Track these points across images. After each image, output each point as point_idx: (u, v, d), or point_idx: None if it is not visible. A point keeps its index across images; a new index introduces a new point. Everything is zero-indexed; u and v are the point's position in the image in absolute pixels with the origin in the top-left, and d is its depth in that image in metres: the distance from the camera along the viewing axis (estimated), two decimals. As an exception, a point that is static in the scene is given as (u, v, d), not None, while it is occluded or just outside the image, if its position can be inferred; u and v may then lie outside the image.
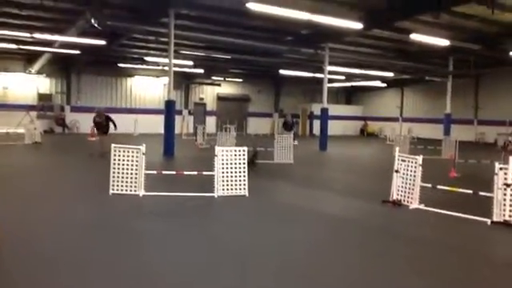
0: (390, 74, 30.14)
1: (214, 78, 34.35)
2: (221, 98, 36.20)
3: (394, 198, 9.06)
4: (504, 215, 7.48)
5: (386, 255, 6.05)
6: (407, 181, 8.95)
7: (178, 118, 25.18)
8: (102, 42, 20.03)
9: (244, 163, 9.49)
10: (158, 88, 32.63)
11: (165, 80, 27.79)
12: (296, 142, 22.07)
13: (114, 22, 17.18)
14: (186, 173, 10.69)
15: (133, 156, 9.28)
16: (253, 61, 27.43)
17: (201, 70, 30.35)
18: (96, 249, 5.89)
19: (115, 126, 16.49)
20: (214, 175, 9.38)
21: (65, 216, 7.60)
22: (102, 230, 6.80)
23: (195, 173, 10.18)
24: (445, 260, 5.87)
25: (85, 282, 4.79)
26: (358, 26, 16.24)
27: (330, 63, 23.47)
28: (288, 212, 8.51)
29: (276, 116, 38.32)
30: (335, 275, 5.20)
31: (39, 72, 28.15)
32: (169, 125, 17.35)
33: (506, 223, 7.40)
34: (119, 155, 9.25)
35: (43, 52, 24.23)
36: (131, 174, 9.22)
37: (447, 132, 26.95)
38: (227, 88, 36.50)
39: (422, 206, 8.73)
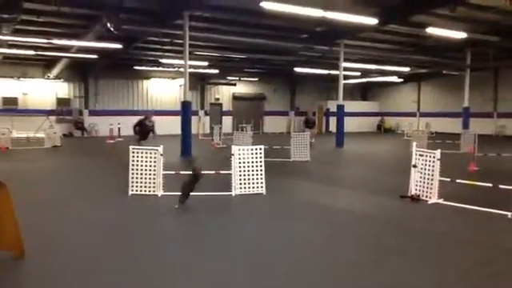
0: (407, 69, 29.84)
1: (229, 77, 34.41)
2: (236, 98, 36.27)
3: (413, 193, 9.01)
4: (525, 208, 7.39)
5: (404, 250, 6.03)
6: (425, 175, 8.89)
7: (194, 119, 25.32)
8: (118, 46, 20.26)
9: (261, 161, 9.53)
10: (174, 89, 32.85)
11: (180, 81, 27.97)
12: (313, 140, 22.05)
13: (129, 26, 17.37)
14: (203, 172, 10.78)
15: (151, 157, 9.40)
16: (268, 60, 27.45)
17: (216, 71, 30.45)
18: (113, 248, 6.01)
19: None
20: (231, 174, 9.45)
21: (87, 218, 7.74)
22: (120, 230, 6.93)
23: (212, 172, 10.26)
24: (464, 255, 5.84)
25: (106, 279, 4.90)
26: (372, 21, 16.12)
27: (345, 60, 23.35)
28: (305, 209, 8.53)
29: (292, 114, 38.28)
30: (351, 271, 5.21)
31: (57, 77, 28.58)
32: (185, 125, 17.50)
33: (527, 216, 7.32)
34: (138, 157, 9.39)
35: (61, 57, 24.60)
36: (150, 174, 9.35)
37: (466, 126, 26.56)
38: (243, 87, 36.56)
39: (441, 201, 8.67)
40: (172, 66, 28.21)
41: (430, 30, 18.13)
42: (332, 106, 30.70)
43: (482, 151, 16.08)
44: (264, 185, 9.53)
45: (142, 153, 9.46)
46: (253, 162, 9.53)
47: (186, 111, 17.66)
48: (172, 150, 16.50)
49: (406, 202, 8.87)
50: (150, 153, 9.45)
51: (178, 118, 18.32)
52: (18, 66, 27.41)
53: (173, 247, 6.10)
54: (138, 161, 9.36)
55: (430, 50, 25.78)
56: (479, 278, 5.01)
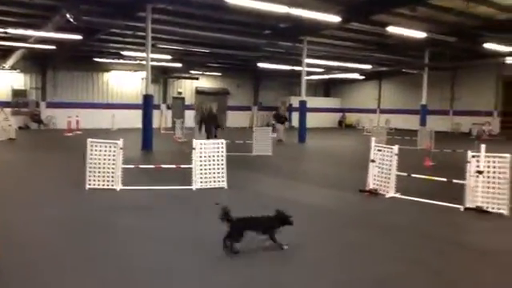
0: (368, 67, 30.45)
1: (192, 72, 34.14)
2: (199, 92, 35.99)
3: (371, 187, 9.21)
4: (476, 201, 7.67)
5: (362, 243, 6.16)
6: (383, 170, 9.10)
7: (156, 113, 25.04)
8: (78, 37, 19.72)
9: (222, 156, 9.50)
10: (135, 82, 32.27)
11: (142, 74, 27.53)
12: (275, 135, 22.18)
13: (90, 17, 16.92)
14: (164, 166, 10.66)
15: (110, 151, 9.20)
16: (231, 55, 27.37)
17: (179, 64, 30.14)
18: (70, 243, 5.86)
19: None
20: (191, 168, 9.38)
21: (41, 212, 7.51)
22: (74, 224, 6.77)
23: (173, 166, 10.15)
24: (419, 247, 6.02)
25: (64, 276, 4.77)
26: (336, 19, 16.33)
27: (309, 56, 23.58)
28: (265, 203, 8.51)
29: (255, 109, 38.37)
30: (311, 263, 5.27)
31: (13, 68, 27.55)
32: (147, 119, 17.22)
33: (478, 209, 7.60)
34: (96, 150, 9.17)
35: (17, 47, 23.73)
36: (108, 168, 9.15)
37: (423, 123, 27.38)
38: (206, 82, 36.35)
39: (397, 195, 8.90)
40: (134, 58, 27.70)
41: (391, 29, 18.52)
42: (295, 102, 30.95)
43: (438, 147, 16.64)
44: (225, 179, 9.51)
45: (100, 146, 9.24)
46: (214, 156, 9.50)
47: (147, 105, 17.39)
48: (133, 143, 16.23)
49: (365, 196, 9.06)
50: (110, 146, 9.25)
51: (140, 112, 18.02)
52: (-29, 55, 26.30)
53: (125, 241, 5.99)
54: (96, 154, 9.15)
55: (392, 49, 26.37)
56: (432, 269, 5.17)
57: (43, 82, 29.26)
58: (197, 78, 35.24)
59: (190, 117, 31.86)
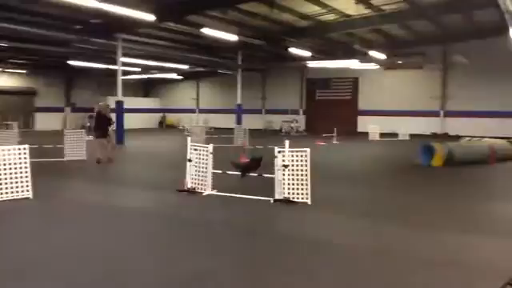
0: (185, 67, 30.83)
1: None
2: (1, 92, 32.00)
3: (189, 186, 9.30)
4: (284, 193, 8.34)
5: (177, 241, 6.20)
6: (200, 169, 9.27)
7: None
8: None
9: (26, 162, 8.54)
10: None
11: None
12: (91, 137, 20.94)
13: None
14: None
15: None
16: (37, 50, 24.89)
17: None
18: None
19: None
20: (-12, 178, 8.23)
21: None
22: None
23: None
24: (231, 239, 6.29)
25: None
26: (150, 17, 16.05)
27: (125, 55, 22.80)
28: (80, 211, 7.98)
29: (68, 110, 35.71)
30: (128, 270, 5.06)
31: None
32: None
33: (285, 200, 8.27)
34: None
35: None
36: None
37: (239, 121, 28.90)
38: (8, 80, 32.48)
39: (214, 192, 9.17)
40: None
41: (206, 31, 19.01)
42: (112, 102, 29.65)
43: (252, 144, 17.71)
44: (30, 188, 8.58)
45: None
46: (16, 164, 8.47)
47: None
48: None
49: (183, 195, 9.11)
50: None
51: None
52: None
53: None
54: None
55: (207, 50, 27.16)
56: (241, 261, 5.42)
57: None
58: (-4, 76, 31.33)
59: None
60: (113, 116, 16.04)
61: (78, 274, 4.93)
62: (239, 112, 29.76)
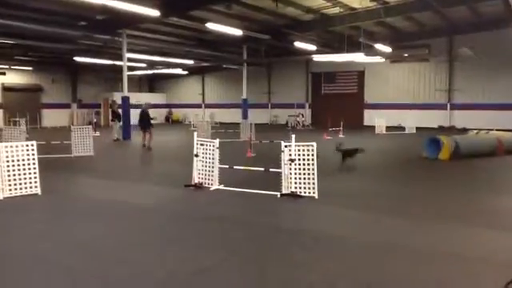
0: (191, 62, 30.83)
1: (-4, 66, 30.34)
2: (7, 89, 32.16)
3: (196, 181, 9.33)
4: (290, 187, 8.35)
5: (183, 236, 6.22)
6: (207, 164, 9.30)
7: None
8: None
9: (34, 159, 8.61)
10: None
11: None
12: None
13: None
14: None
15: None
16: (43, 47, 24.96)
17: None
18: None
19: None
20: (-4, 175, 8.31)
21: None
22: None
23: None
24: (238, 234, 6.30)
25: None
26: (155, 12, 16.06)
27: (130, 50, 22.86)
28: (88, 207, 8.04)
29: (75, 106, 35.86)
30: (136, 264, 5.10)
31: None
32: None
33: (292, 194, 8.28)
34: None
35: None
36: None
37: (245, 116, 28.90)
38: (14, 77, 32.61)
39: (221, 187, 9.20)
40: None
41: (210, 26, 19.00)
42: (118, 98, 29.75)
43: (258, 138, 17.71)
44: (38, 184, 8.65)
45: None
46: (24, 160, 8.54)
47: None
48: None
49: (190, 191, 9.15)
50: None
51: None
52: None
53: None
54: None
55: (212, 45, 27.14)
56: (247, 256, 5.45)
57: None
58: (3, 73, 31.43)
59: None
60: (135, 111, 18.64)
61: (84, 268, 4.98)
62: (245, 107, 29.75)
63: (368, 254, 5.44)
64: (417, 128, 26.40)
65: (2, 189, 8.33)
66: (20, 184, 8.52)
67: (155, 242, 5.96)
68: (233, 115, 33.70)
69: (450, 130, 26.56)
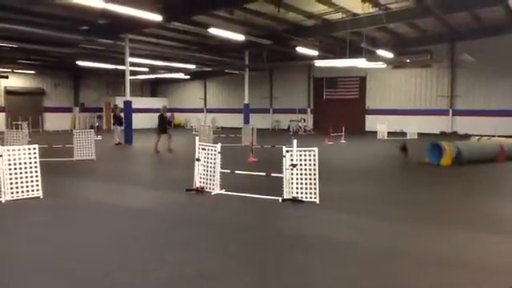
0: (193, 67, 30.90)
1: (-1, 69, 30.43)
2: (10, 92, 32.24)
3: (197, 185, 9.33)
4: (292, 192, 8.34)
5: (185, 241, 6.19)
6: (208, 168, 9.30)
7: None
8: None
9: (36, 162, 8.62)
10: None
11: None
12: (99, 137, 21.09)
13: None
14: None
15: None
16: (46, 51, 25.05)
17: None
18: None
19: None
20: (-1, 178, 8.33)
21: None
22: None
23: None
24: (240, 239, 6.28)
25: None
26: (157, 17, 16.12)
27: (132, 55, 22.92)
28: (89, 210, 8.05)
29: (77, 110, 35.92)
30: (136, 268, 5.09)
31: None
32: None
33: (293, 199, 8.27)
34: None
35: None
36: None
37: (247, 121, 28.91)
38: (17, 81, 32.71)
39: (223, 191, 9.19)
40: None
41: (213, 31, 19.06)
42: (120, 102, 29.83)
43: (260, 143, 17.72)
44: (40, 187, 8.66)
45: None
46: (26, 164, 8.55)
47: None
48: None
49: (192, 195, 9.14)
50: None
51: None
52: None
53: None
54: None
55: (214, 50, 27.21)
56: (249, 260, 5.43)
57: None
58: (6, 77, 31.53)
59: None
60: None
61: (85, 271, 4.97)
62: (247, 111, 29.77)
63: (370, 260, 5.42)
64: (419, 134, 26.38)
65: (4, 192, 8.34)
66: (22, 187, 8.52)
67: (156, 246, 5.95)
68: (234, 120, 33.72)
69: (452, 135, 26.53)
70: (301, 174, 8.31)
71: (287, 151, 8.41)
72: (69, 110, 35.65)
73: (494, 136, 19.13)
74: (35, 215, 7.67)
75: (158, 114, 18.33)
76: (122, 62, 22.74)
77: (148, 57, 26.93)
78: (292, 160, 8.33)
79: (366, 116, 32.43)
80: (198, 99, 40.47)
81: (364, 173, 12.91)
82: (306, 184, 8.30)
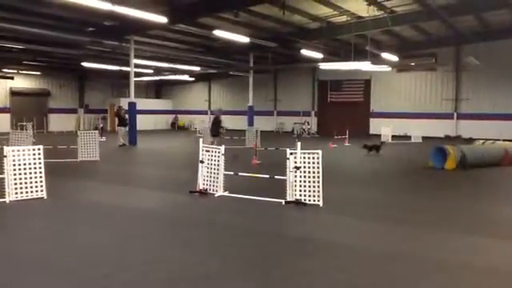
0: (197, 69, 30.95)
1: (5, 70, 30.52)
2: (15, 93, 32.39)
3: (201, 187, 9.34)
4: (295, 195, 8.33)
5: (187, 242, 6.21)
6: (212, 170, 9.31)
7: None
8: None
9: (40, 163, 8.66)
10: None
11: None
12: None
13: None
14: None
15: None
16: (51, 52, 25.14)
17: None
18: None
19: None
20: (4, 178, 8.36)
21: None
22: None
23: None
24: (242, 241, 6.28)
25: None
26: (162, 19, 16.15)
27: (137, 56, 22.99)
28: (93, 211, 8.06)
29: (81, 111, 36.05)
30: (137, 269, 5.10)
31: None
32: None
33: (297, 202, 8.26)
34: None
35: None
36: None
37: (251, 123, 28.90)
38: (22, 82, 32.85)
39: (226, 193, 9.19)
40: None
41: (218, 33, 19.08)
42: (125, 104, 29.92)
43: (264, 146, 17.70)
44: (44, 188, 8.69)
45: None
46: (30, 164, 8.59)
47: None
48: None
49: (195, 197, 9.15)
50: None
51: None
52: None
53: None
54: None
55: (219, 52, 27.24)
56: (251, 262, 5.43)
57: None
58: (12, 78, 31.67)
59: (4, 121, 28.49)
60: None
61: (87, 272, 4.98)
62: (251, 114, 29.77)
63: (373, 263, 5.41)
64: (423, 137, 26.29)
65: (9, 192, 8.37)
66: (26, 188, 8.56)
67: (158, 248, 5.95)
68: (238, 122, 33.71)
69: (457, 139, 26.44)
70: (304, 177, 8.31)
71: (291, 153, 8.41)
72: (73, 111, 35.78)
73: (499, 140, 19.04)
74: (39, 216, 7.71)
75: (213, 116, 17.94)
76: (127, 64, 22.81)
77: (153, 58, 26.98)
78: (296, 162, 8.32)
79: (371, 119, 32.36)
80: (202, 101, 40.51)
81: (368, 176, 12.89)
82: (309, 187, 8.30)
